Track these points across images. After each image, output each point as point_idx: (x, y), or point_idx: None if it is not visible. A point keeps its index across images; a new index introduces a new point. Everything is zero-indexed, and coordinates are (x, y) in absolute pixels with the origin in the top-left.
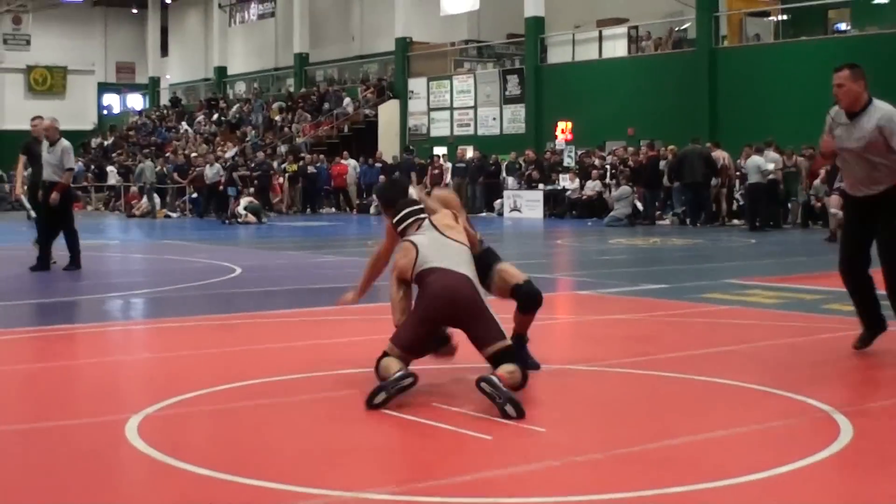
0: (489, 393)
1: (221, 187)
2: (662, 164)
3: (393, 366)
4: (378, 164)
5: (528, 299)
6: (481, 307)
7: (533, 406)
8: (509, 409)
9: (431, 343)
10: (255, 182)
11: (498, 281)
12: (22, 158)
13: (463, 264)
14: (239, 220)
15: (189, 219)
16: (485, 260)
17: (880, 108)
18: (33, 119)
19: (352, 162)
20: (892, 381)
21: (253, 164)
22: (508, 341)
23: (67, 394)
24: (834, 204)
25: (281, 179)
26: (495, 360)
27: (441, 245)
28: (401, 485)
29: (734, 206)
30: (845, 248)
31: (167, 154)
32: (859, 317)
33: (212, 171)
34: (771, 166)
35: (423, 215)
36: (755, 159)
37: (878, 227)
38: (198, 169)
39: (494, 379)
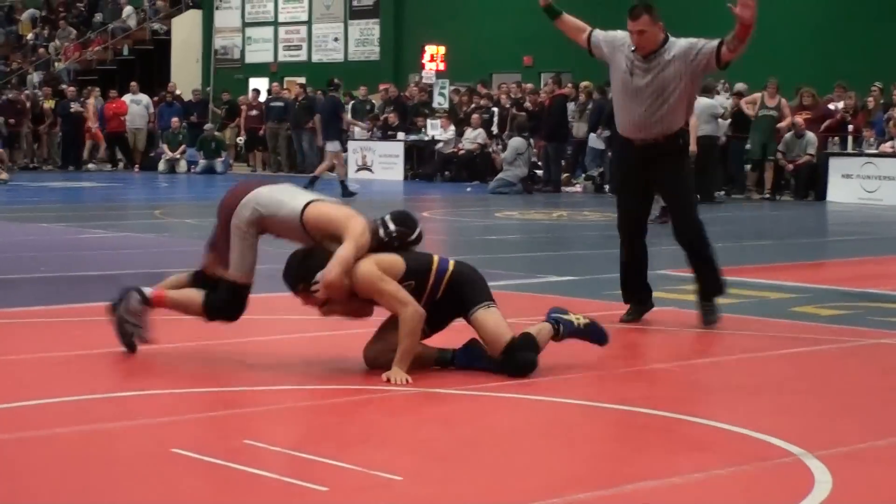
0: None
1: None
2: (572, 107)
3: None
4: (175, 103)
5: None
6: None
7: (383, 446)
8: None
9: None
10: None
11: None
12: None
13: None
14: None
15: None
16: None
17: (679, 42)
18: None
19: (143, 98)
20: (873, 415)
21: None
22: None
23: None
24: None
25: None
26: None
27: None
28: None
29: None
30: (625, 207)
31: None
32: (625, 290)
33: None
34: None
35: None
36: (704, 101)
37: (661, 178)
38: None
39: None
